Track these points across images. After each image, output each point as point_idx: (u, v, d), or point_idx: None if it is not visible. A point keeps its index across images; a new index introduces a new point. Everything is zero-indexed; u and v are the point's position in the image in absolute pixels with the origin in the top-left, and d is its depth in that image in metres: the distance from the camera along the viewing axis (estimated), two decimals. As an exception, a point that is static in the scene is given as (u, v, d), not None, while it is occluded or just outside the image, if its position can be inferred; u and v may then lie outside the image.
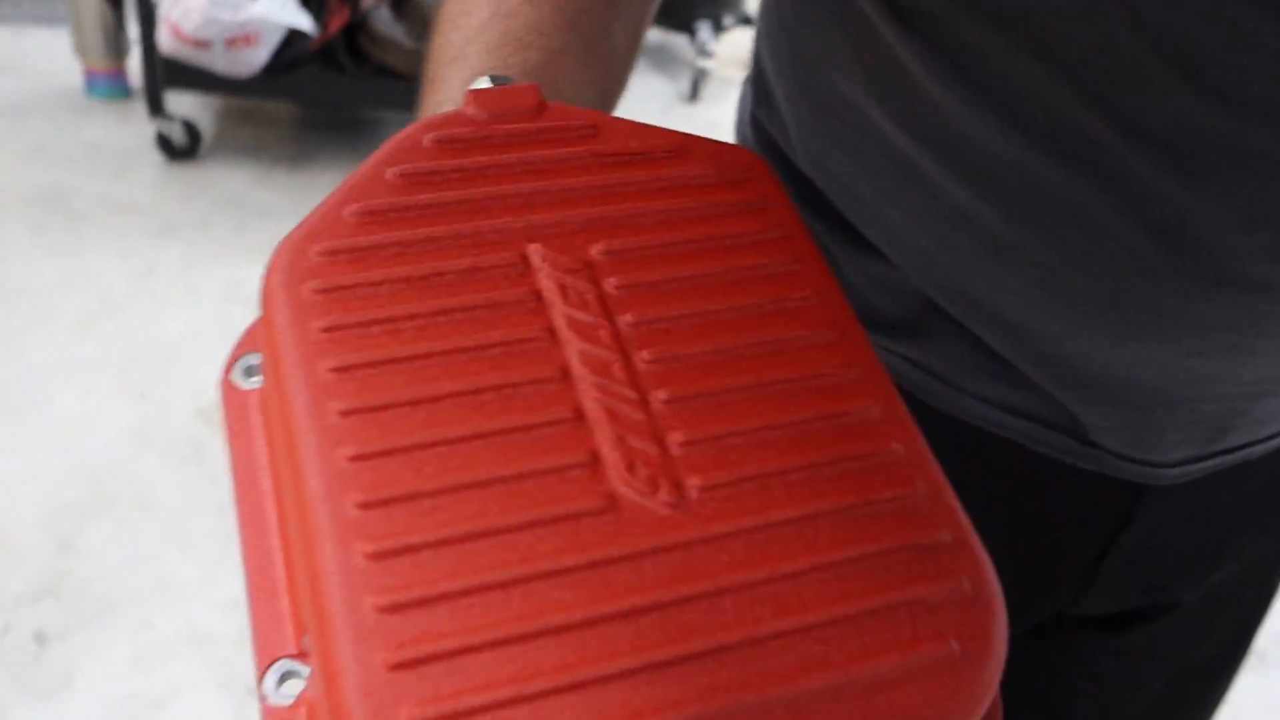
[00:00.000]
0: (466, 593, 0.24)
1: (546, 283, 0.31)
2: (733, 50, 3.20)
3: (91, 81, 2.36)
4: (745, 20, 3.12)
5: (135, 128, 2.27)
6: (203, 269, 1.93)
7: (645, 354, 0.29)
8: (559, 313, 0.30)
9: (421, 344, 0.29)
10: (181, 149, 2.21)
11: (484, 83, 0.36)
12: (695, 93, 2.94)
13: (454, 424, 0.27)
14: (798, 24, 0.48)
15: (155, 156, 2.20)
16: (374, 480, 0.26)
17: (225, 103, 2.42)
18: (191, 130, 2.21)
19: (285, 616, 0.29)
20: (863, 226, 0.48)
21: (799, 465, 0.28)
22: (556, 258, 0.31)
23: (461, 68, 0.43)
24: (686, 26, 2.90)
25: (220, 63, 2.09)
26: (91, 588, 1.34)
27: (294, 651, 0.28)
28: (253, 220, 2.09)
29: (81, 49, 2.33)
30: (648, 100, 2.83)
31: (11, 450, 1.51)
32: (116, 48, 2.35)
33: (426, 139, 0.34)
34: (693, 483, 0.27)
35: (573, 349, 0.29)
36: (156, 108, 2.15)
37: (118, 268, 1.90)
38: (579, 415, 0.28)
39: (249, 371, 0.34)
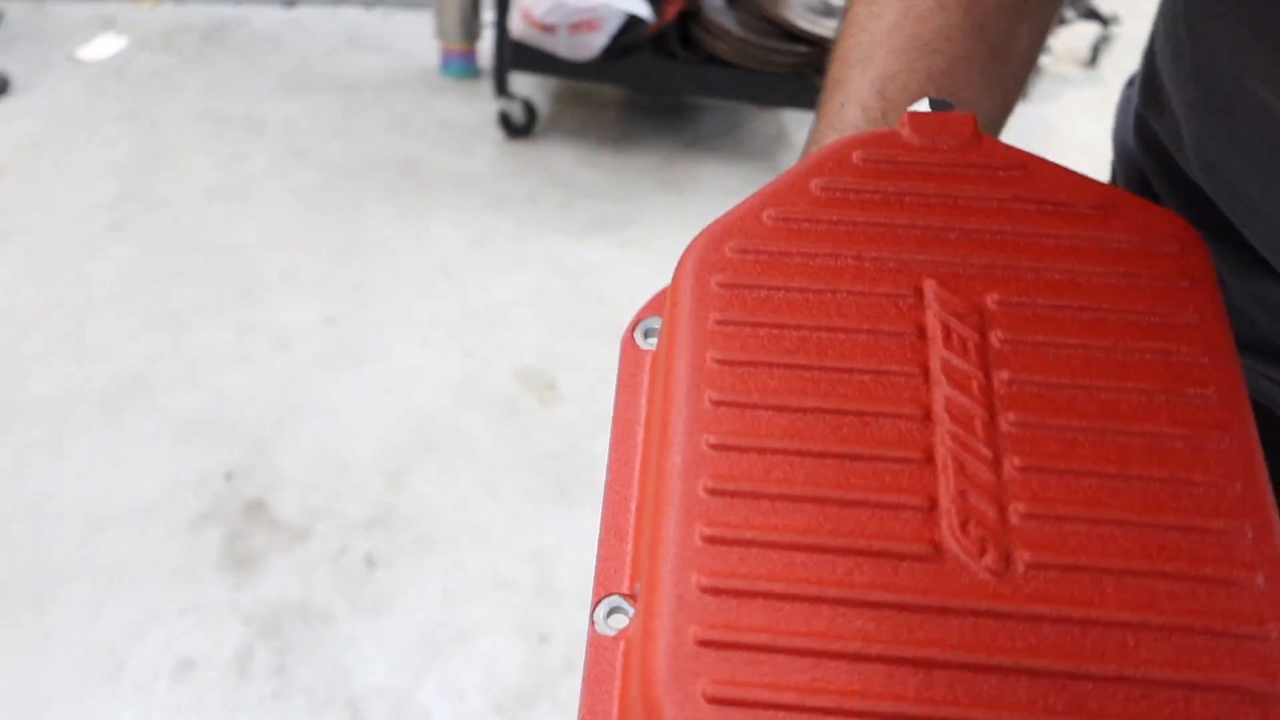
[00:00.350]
0: (780, 597, 0.26)
1: (933, 321, 0.31)
2: (1069, 46, 3.01)
3: (446, 61, 2.57)
4: (1089, 14, 2.92)
5: (480, 105, 2.46)
6: (529, 241, 2.06)
7: (1012, 415, 0.29)
8: (937, 353, 0.30)
9: (801, 354, 0.30)
10: (520, 127, 2.36)
11: (923, 106, 0.36)
12: (1026, 89, 2.79)
13: (810, 437, 0.29)
14: (1206, 20, 0.44)
15: (495, 133, 2.37)
16: (726, 471, 0.28)
17: (559, 85, 2.56)
18: (530, 110, 2.36)
19: (626, 559, 0.31)
20: (1261, 244, 0.44)
21: (1141, 570, 0.26)
22: (949, 298, 0.31)
23: (868, 70, 0.43)
24: (1024, 21, 2.75)
25: (563, 47, 2.21)
26: (414, 523, 1.47)
27: (626, 591, 0.30)
28: (577, 198, 2.20)
29: (441, 31, 2.54)
30: (974, 97, 2.71)
31: (358, 392, 1.68)
32: (471, 30, 2.54)
33: (856, 156, 0.35)
34: (1022, 556, 0.26)
35: (940, 392, 0.29)
36: (502, 88, 2.31)
37: (456, 234, 2.06)
38: (928, 458, 0.28)
39: (647, 333, 0.36)
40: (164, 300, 1.82)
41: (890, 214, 0.33)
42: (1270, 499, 0.28)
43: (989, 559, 0.26)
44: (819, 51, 2.22)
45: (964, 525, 0.27)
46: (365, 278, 1.92)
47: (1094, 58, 3.01)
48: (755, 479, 0.28)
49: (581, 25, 2.18)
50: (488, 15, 2.42)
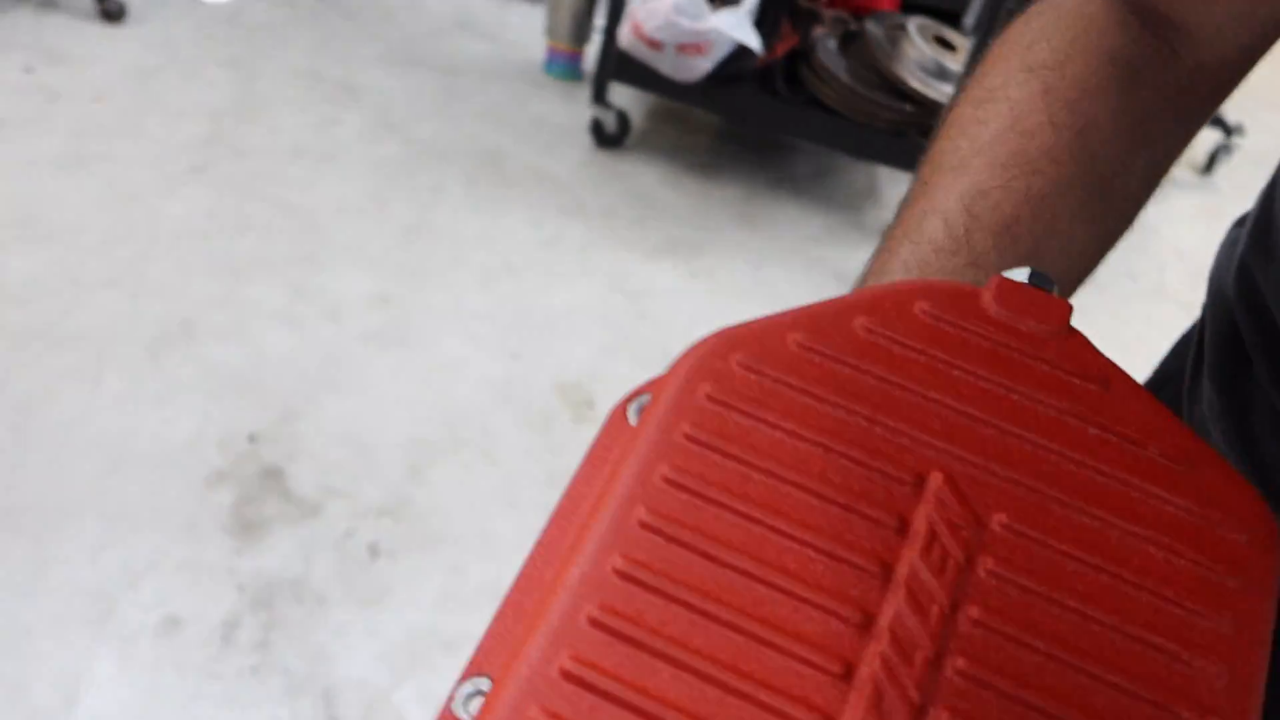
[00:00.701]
0: None
1: (921, 521, 0.27)
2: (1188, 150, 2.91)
3: (551, 59, 2.56)
4: (1214, 120, 2.82)
5: (575, 110, 2.44)
6: (598, 252, 2.04)
7: (961, 662, 0.24)
8: (909, 559, 0.26)
9: (758, 505, 0.27)
10: (611, 137, 2.34)
11: (1020, 275, 0.32)
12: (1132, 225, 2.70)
13: (725, 600, 0.25)
14: None
15: (585, 139, 2.35)
16: (620, 604, 0.25)
17: (656, 102, 2.54)
18: (624, 122, 2.34)
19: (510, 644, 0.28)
20: None
21: None
22: (951, 502, 0.27)
23: (960, 179, 0.40)
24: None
25: (667, 65, 2.19)
26: (425, 519, 1.45)
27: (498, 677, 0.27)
28: (653, 217, 2.17)
29: (551, 29, 2.54)
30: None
31: (395, 376, 1.66)
32: (581, 33, 2.53)
33: (920, 306, 0.31)
34: None
35: (893, 604, 0.25)
36: (600, 95, 2.29)
37: (527, 234, 2.04)
38: (846, 675, 0.24)
39: (640, 410, 0.33)
40: (228, 250, 1.83)
41: (929, 384, 0.29)
42: None
43: None
44: (924, 112, 2.17)
45: None
46: (428, 261, 1.91)
47: (1210, 165, 2.90)
48: (646, 626, 0.24)
49: (690, 47, 2.15)
50: (600, 20, 2.41)
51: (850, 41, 2.28)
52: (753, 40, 2.15)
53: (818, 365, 0.29)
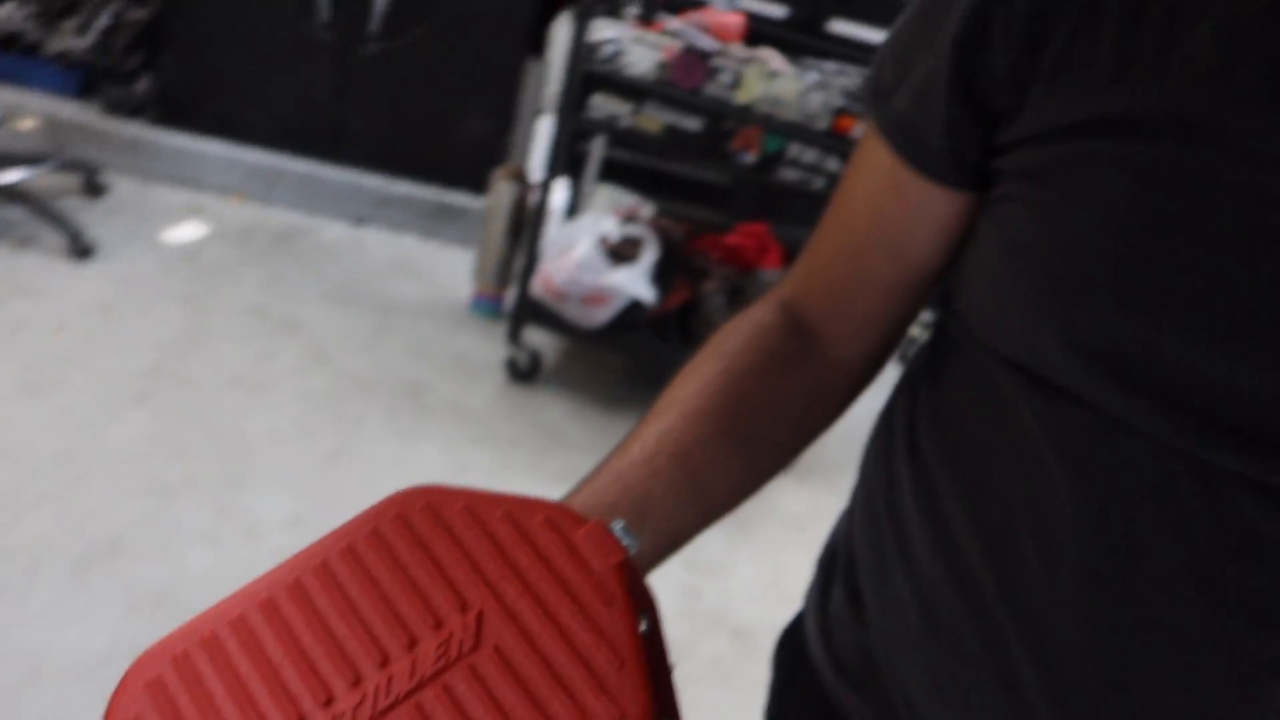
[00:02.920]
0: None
1: (449, 627, 0.42)
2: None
3: (476, 300, 2.86)
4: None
5: (493, 347, 2.72)
6: (500, 479, 2.25)
7: (424, 699, 0.40)
8: (428, 643, 0.42)
9: (380, 592, 0.43)
10: (523, 373, 2.60)
11: (618, 525, 0.47)
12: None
13: (319, 621, 0.42)
14: None
15: (500, 375, 2.61)
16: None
17: (567, 343, 2.83)
18: (535, 361, 2.61)
19: None
20: None
21: None
22: (471, 627, 0.42)
23: (660, 419, 0.58)
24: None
25: (572, 313, 2.48)
26: None
27: None
28: (557, 449, 2.41)
29: (477, 273, 2.84)
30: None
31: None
32: (504, 277, 2.84)
33: (540, 517, 0.45)
34: None
35: (402, 660, 0.41)
36: (514, 336, 2.57)
37: (439, 460, 2.27)
38: (356, 681, 0.41)
39: None
40: (161, 472, 2.03)
41: (512, 565, 0.44)
42: None
43: None
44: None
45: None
46: (343, 485, 2.12)
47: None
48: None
49: (591, 299, 2.45)
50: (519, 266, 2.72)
51: (737, 295, 2.60)
52: (647, 295, 2.46)
53: (462, 524, 0.45)
